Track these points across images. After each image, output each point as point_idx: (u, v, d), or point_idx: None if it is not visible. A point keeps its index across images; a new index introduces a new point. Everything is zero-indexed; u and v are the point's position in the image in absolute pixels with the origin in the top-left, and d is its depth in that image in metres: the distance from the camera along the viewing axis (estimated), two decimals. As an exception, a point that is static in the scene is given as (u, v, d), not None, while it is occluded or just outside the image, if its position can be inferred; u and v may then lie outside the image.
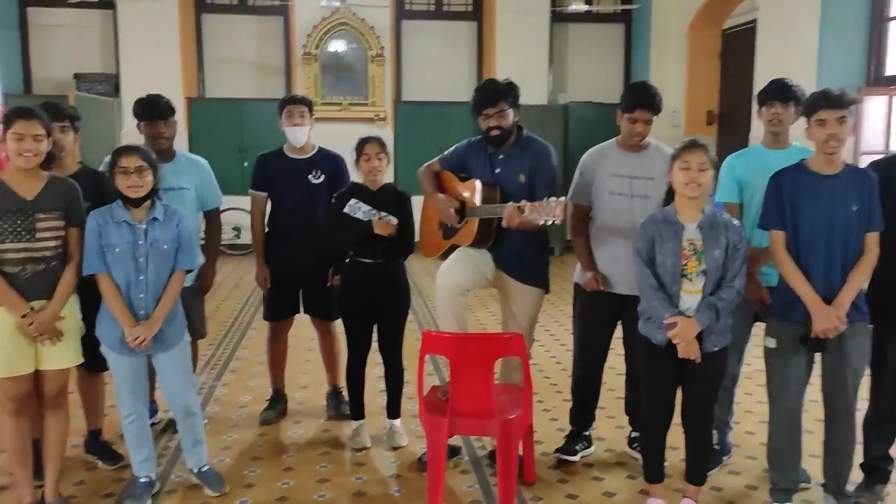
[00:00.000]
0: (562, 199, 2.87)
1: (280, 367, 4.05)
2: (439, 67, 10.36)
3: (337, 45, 9.90)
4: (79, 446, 3.46)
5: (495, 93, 3.23)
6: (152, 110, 3.49)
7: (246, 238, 9.49)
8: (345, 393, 3.84)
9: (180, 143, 8.98)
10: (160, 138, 3.49)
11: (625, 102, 3.17)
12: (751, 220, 3.05)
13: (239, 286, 7.69)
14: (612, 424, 3.85)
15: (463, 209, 3.31)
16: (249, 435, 3.75)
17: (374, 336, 3.61)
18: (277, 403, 4.01)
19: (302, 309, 3.94)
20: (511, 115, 3.26)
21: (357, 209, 3.44)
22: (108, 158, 3.53)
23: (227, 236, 9.26)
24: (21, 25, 9.62)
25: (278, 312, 3.94)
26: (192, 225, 3.58)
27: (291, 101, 3.81)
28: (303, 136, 3.79)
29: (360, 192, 3.47)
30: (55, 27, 9.77)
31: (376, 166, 3.40)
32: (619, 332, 3.34)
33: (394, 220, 3.39)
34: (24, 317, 2.69)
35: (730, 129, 8.64)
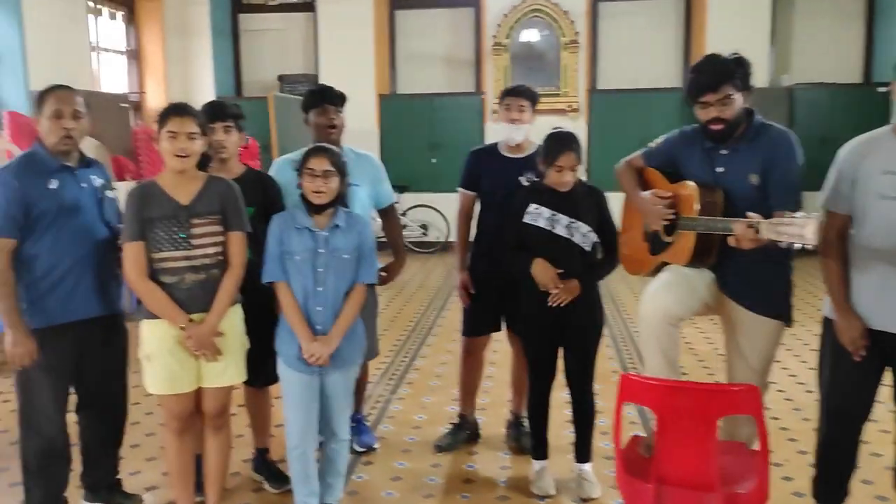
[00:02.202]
0: (814, 215, 2.15)
1: (471, 390, 3.62)
2: (640, 52, 9.54)
3: (528, 34, 9.43)
4: (249, 461, 3.30)
5: (719, 73, 2.55)
6: (324, 96, 3.25)
7: (433, 236, 9.37)
8: (527, 424, 3.35)
9: (372, 141, 9.26)
10: (330, 127, 3.22)
11: None
12: None
13: (424, 286, 7.48)
14: (870, 493, 3.00)
15: (675, 218, 2.67)
16: (422, 464, 3.38)
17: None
18: (460, 431, 3.60)
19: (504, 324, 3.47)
20: (739, 102, 2.57)
21: (538, 216, 2.92)
22: (279, 160, 3.37)
23: (414, 234, 9.18)
24: (233, 31, 10.16)
25: (478, 327, 3.49)
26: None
27: (511, 93, 3.31)
28: (518, 135, 3.30)
29: (542, 192, 2.94)
30: (262, 32, 10.21)
31: (568, 181, 2.86)
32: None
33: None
34: (183, 329, 2.51)
35: None
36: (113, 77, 8.49)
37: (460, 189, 3.45)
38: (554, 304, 2.85)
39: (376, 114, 9.48)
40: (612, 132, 8.81)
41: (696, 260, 2.58)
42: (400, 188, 8.83)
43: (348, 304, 2.65)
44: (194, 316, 2.53)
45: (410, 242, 9.09)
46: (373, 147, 9.17)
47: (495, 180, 3.31)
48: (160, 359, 2.54)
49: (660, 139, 2.85)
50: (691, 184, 2.61)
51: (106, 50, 8.34)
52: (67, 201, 2.64)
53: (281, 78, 9.89)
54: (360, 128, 9.34)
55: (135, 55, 8.87)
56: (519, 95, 3.28)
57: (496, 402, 4.06)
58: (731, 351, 2.70)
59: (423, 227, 9.36)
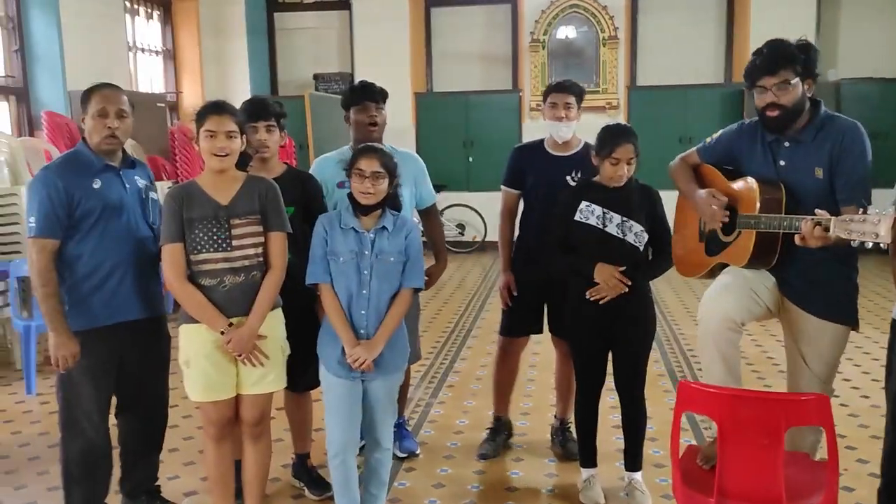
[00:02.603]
0: (889, 211, 2.01)
1: (506, 391, 3.53)
2: (681, 47, 9.34)
3: (566, 30, 9.28)
4: (289, 465, 3.24)
5: (778, 57, 2.43)
6: (365, 93, 3.16)
7: (469, 235, 9.27)
8: (573, 430, 3.24)
9: (408, 139, 9.19)
10: (370, 125, 3.14)
11: None
12: None
13: (462, 286, 7.39)
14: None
15: (733, 216, 2.54)
16: (464, 471, 3.29)
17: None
18: (498, 434, 3.51)
19: (546, 327, 3.37)
20: (799, 89, 2.44)
21: (590, 214, 2.81)
22: (319, 159, 3.30)
23: (450, 234, 9.10)
24: (268, 30, 10.16)
25: (517, 328, 3.39)
26: None
27: (556, 89, 3.18)
28: (567, 132, 3.18)
29: (593, 190, 2.83)
30: (297, 30, 10.21)
31: (623, 174, 2.74)
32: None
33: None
34: (223, 333, 2.43)
35: None
36: (149, 77, 8.55)
37: (503, 187, 3.34)
38: (592, 298, 2.74)
39: (412, 112, 9.42)
40: (653, 130, 8.55)
41: (756, 260, 2.44)
42: (437, 187, 8.63)
43: (394, 308, 2.56)
44: (234, 320, 2.45)
45: (447, 242, 8.99)
46: (408, 146, 9.01)
47: (540, 178, 3.20)
48: (198, 364, 2.47)
49: (717, 133, 2.72)
50: (751, 179, 2.48)
51: (142, 50, 8.40)
52: (111, 201, 2.60)
53: (316, 77, 9.88)
54: (396, 126, 9.20)
55: (171, 55, 8.93)
56: (565, 91, 3.15)
57: (540, 407, 3.96)
58: (793, 357, 2.56)
59: (460, 226, 9.28)
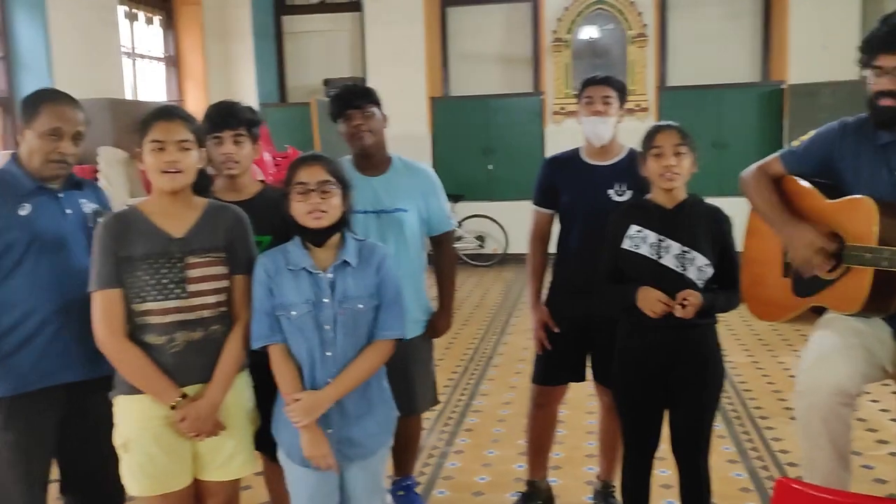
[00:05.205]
0: None
1: (543, 450, 2.93)
2: (714, 45, 8.78)
3: (591, 28, 8.74)
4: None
5: None
6: (345, 101, 2.65)
7: (490, 248, 8.73)
8: (618, 495, 2.67)
9: (424, 147, 8.69)
10: (360, 132, 2.62)
11: None
12: None
13: (482, 305, 6.83)
14: None
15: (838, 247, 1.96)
16: (485, 547, 2.74)
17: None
18: (530, 502, 2.92)
19: (590, 372, 2.81)
20: None
21: (641, 241, 2.26)
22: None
23: (469, 246, 8.61)
24: (276, 34, 9.72)
25: (554, 375, 2.82)
26: (414, 263, 2.69)
27: (593, 82, 2.70)
28: (607, 131, 2.66)
29: (645, 212, 2.29)
30: (307, 34, 9.77)
31: (672, 166, 2.20)
32: None
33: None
34: (173, 407, 1.89)
35: None
36: (151, 84, 8.10)
37: (534, 207, 2.81)
38: (680, 315, 2.17)
39: (428, 118, 8.92)
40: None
41: (871, 307, 1.86)
42: (454, 197, 8.24)
43: (358, 361, 1.97)
44: (188, 389, 1.91)
45: (466, 255, 8.51)
46: (424, 153, 8.63)
47: (576, 193, 2.68)
48: (141, 448, 1.92)
49: (807, 136, 2.14)
50: (865, 198, 1.89)
51: (143, 56, 7.94)
52: (43, 232, 2.09)
53: (327, 82, 9.39)
54: (410, 133, 8.83)
55: (174, 61, 8.47)
56: (603, 84, 2.65)
57: (573, 458, 3.39)
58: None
59: (480, 238, 8.74)
